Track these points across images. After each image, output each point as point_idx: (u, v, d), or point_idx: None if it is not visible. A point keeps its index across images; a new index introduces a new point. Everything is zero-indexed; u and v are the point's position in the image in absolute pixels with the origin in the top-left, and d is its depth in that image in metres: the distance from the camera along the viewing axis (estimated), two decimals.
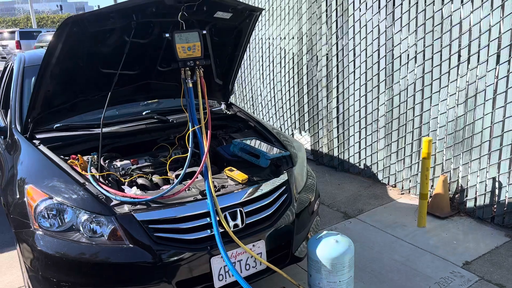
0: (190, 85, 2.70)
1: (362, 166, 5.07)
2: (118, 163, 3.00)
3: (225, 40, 3.34)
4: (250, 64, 6.62)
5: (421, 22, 4.02)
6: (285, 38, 5.73)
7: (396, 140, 4.55)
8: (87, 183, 2.57)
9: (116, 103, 3.48)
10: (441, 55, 3.94)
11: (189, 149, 2.65)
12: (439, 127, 4.08)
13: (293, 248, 2.83)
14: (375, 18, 4.45)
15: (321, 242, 2.62)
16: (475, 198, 3.91)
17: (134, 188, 2.64)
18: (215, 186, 2.64)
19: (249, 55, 6.54)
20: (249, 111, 6.70)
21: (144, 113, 3.74)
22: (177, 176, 2.81)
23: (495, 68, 3.55)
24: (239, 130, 3.69)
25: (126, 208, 2.42)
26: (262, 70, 6.31)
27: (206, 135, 2.71)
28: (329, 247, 2.58)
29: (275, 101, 6.20)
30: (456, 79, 3.85)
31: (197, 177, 2.62)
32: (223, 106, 4.10)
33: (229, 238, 2.50)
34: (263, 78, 6.35)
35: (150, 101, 4.04)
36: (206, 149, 2.65)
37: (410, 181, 4.50)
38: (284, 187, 2.87)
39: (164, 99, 4.02)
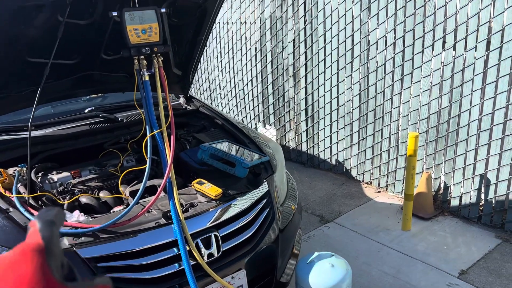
0: (147, 77, 2.13)
1: (333, 162, 4.69)
2: (54, 177, 2.39)
3: (186, 22, 2.76)
4: (206, 51, 6.02)
5: (401, 4, 3.64)
6: (245, 22, 5.20)
7: (371, 134, 4.20)
8: (11, 209, 1.96)
9: (50, 99, 2.83)
10: (423, 41, 3.59)
11: (147, 159, 2.09)
12: (420, 120, 3.76)
13: (277, 274, 2.36)
14: (348, 1, 4.02)
15: (313, 268, 2.17)
16: (460, 197, 3.63)
17: (76, 212, 2.05)
18: (182, 206, 2.11)
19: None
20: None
21: (86, 111, 3.09)
22: (132, 194, 2.24)
23: (484, 55, 3.24)
24: (204, 129, 3.14)
25: (66, 242, 1.84)
26: (221, 57, 5.75)
27: (169, 141, 2.15)
28: (324, 274, 2.14)
29: (235, 92, 5.67)
30: (441, 68, 3.52)
31: (159, 195, 2.07)
32: (182, 100, 3.53)
33: (203, 272, 1.98)
34: (221, 67, 5.79)
35: (93, 96, 3.39)
36: (169, 159, 2.10)
37: (387, 178, 4.17)
38: (265, 199, 2.39)
39: (111, 93, 3.38)
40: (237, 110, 5.73)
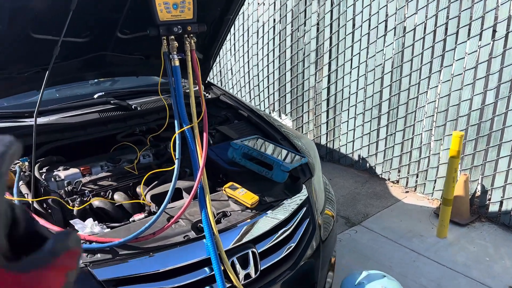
0: (177, 62, 1.77)
1: (356, 158, 4.37)
2: (61, 173, 2.06)
3: None
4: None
5: None
6: (263, 3, 4.81)
7: (401, 129, 3.87)
8: None
9: (55, 82, 2.47)
10: (469, 29, 3.24)
11: (176, 161, 1.75)
12: (459, 116, 3.43)
13: None
14: None
15: None
16: (501, 202, 3.33)
17: (90, 221, 1.72)
18: (213, 215, 1.79)
19: None
20: None
21: (95, 96, 2.74)
22: (154, 199, 1.91)
23: None
24: (227, 121, 2.80)
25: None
26: (234, 40, 5.37)
27: (200, 140, 1.81)
28: None
29: (249, 78, 5.31)
30: (488, 60, 3.18)
31: (189, 204, 1.74)
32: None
33: None
34: (234, 50, 5.41)
35: (102, 79, 3.03)
36: (201, 161, 1.76)
37: (417, 177, 3.87)
38: (305, 207, 2.07)
39: (122, 77, 3.03)
40: (250, 98, 5.38)
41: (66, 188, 1.99)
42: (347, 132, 4.36)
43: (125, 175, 2.17)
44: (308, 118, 4.72)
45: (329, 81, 4.36)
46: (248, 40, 5.14)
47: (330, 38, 4.22)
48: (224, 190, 1.94)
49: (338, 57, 4.20)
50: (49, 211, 1.85)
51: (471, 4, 3.15)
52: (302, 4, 4.37)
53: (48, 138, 2.33)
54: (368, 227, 3.39)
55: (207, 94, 3.15)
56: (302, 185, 2.12)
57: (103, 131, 2.47)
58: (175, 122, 1.78)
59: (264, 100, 5.19)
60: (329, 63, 4.30)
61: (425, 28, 3.48)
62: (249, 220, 1.83)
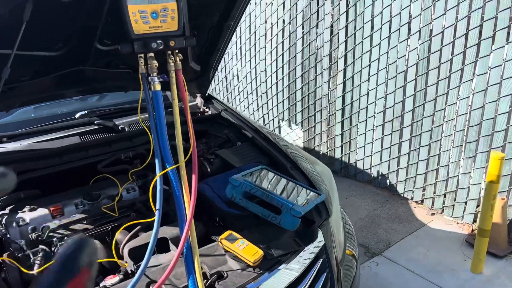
0: (157, 86, 1.39)
1: (374, 174, 3.96)
2: (26, 216, 1.71)
3: (211, 2, 2.02)
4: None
5: None
6: (272, 3, 4.41)
7: (427, 144, 3.45)
8: None
9: (26, 102, 2.11)
10: (508, 32, 2.81)
11: (156, 212, 1.38)
12: (496, 131, 3.00)
13: None
14: None
15: None
16: None
17: None
18: (206, 277, 1.41)
19: None
20: (220, 98, 5.40)
21: (77, 116, 2.38)
22: (135, 253, 1.54)
23: None
24: (228, 143, 2.42)
25: None
26: (240, 44, 4.98)
27: (189, 185, 1.43)
28: None
29: (256, 84, 4.92)
30: None
31: (173, 267, 1.36)
32: (199, 101, 2.81)
33: None
34: (240, 55, 5.02)
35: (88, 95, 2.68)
36: (189, 212, 1.38)
37: (444, 197, 3.44)
38: (321, 259, 1.68)
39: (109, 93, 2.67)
40: (258, 106, 4.99)
41: (31, 235, 1.64)
42: (364, 146, 3.95)
43: (104, 216, 1.80)
44: (321, 129, 4.31)
45: (344, 89, 3.96)
46: (255, 44, 4.75)
47: (346, 42, 3.81)
48: (220, 242, 1.56)
49: (355, 63, 3.79)
50: (4, 268, 1.50)
51: (511, 4, 2.73)
52: (314, 5, 3.96)
53: (17, 168, 1.96)
54: (391, 258, 2.98)
55: (207, 110, 2.78)
56: (318, 230, 1.73)
57: (83, 158, 2.11)
58: (156, 162, 1.40)
59: (272, 109, 4.80)
60: (344, 70, 3.90)
61: (455, 31, 3.06)
62: (252, 283, 1.45)
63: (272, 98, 4.76)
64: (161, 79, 1.37)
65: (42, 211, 1.74)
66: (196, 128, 2.54)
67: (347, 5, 3.70)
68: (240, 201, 1.69)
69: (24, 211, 1.73)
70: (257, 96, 4.96)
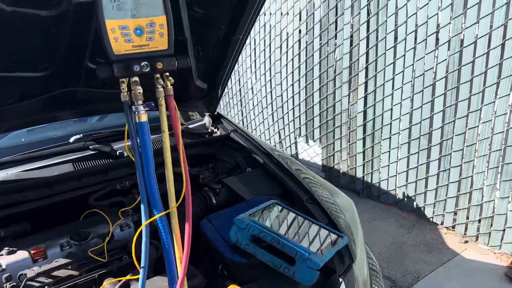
0: (143, 117, 1.16)
1: (400, 196, 3.65)
2: (3, 261, 1.50)
3: (216, 14, 1.79)
4: None
5: None
6: (288, 13, 4.18)
7: (458, 165, 3.14)
8: None
9: (13, 127, 1.92)
10: None
11: (141, 270, 1.13)
12: None
13: None
14: None
15: None
16: None
17: None
18: None
19: None
20: (234, 113, 5.17)
21: (71, 140, 2.17)
22: None
23: None
24: (237, 169, 2.18)
25: None
26: (255, 56, 4.76)
27: (181, 239, 1.18)
28: None
29: (271, 98, 4.67)
30: None
31: None
32: (207, 120, 2.58)
33: None
34: (255, 67, 4.79)
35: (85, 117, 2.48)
36: (181, 271, 1.13)
37: (479, 223, 3.12)
38: None
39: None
40: (273, 120, 4.74)
41: (4, 286, 1.42)
42: (388, 165, 3.65)
43: (91, 260, 1.57)
44: (341, 146, 4.03)
45: (365, 104, 3.68)
46: (270, 56, 4.52)
47: (367, 53, 3.54)
48: None
49: (377, 76, 3.51)
50: None
51: None
52: (332, 14, 3.71)
53: (1, 201, 1.77)
54: None
55: (216, 130, 2.55)
56: (340, 282, 1.46)
57: (75, 189, 1.89)
58: (142, 208, 1.15)
59: (288, 124, 4.54)
60: (366, 83, 3.62)
61: (489, 41, 2.76)
62: None
63: (288, 112, 4.51)
64: (147, 109, 1.13)
65: (21, 255, 1.52)
66: (202, 152, 2.35)
67: (368, 14, 3.43)
68: (247, 246, 1.44)
69: (2, 255, 1.52)
70: (272, 110, 4.72)
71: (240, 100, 5.20)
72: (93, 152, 2.10)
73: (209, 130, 2.54)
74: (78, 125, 2.43)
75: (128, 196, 1.89)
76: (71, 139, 2.15)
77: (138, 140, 1.15)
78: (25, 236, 1.65)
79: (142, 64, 1.09)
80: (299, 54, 4.17)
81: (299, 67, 4.21)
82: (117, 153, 2.13)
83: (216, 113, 2.60)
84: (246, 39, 2.00)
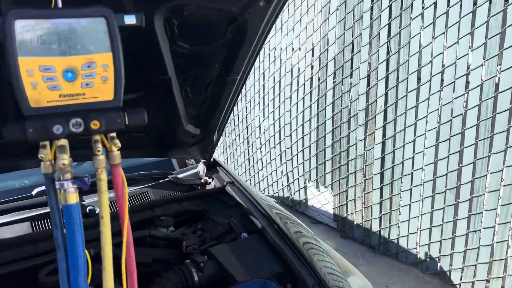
0: (72, 198, 0.80)
1: (421, 255, 3.22)
2: None
3: (206, 52, 1.46)
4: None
5: None
6: (299, 49, 3.89)
7: (491, 226, 2.71)
8: None
9: None
10: None
11: None
12: None
13: None
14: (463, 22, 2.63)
15: None
16: None
17: None
18: None
19: None
20: (240, 151, 4.82)
21: (34, 192, 1.83)
22: None
23: None
24: (229, 234, 1.79)
25: None
26: (263, 93, 4.45)
27: None
28: None
29: (280, 138, 4.33)
30: None
31: None
32: (201, 168, 2.23)
33: None
34: (263, 104, 4.48)
35: None
36: None
37: None
38: None
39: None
40: (281, 162, 4.38)
41: None
42: (409, 220, 3.23)
43: None
44: (355, 195, 3.64)
45: (383, 150, 3.30)
46: (280, 93, 4.21)
47: (386, 95, 3.19)
48: None
49: (397, 120, 3.15)
50: None
51: None
52: (348, 51, 3.40)
53: None
54: None
55: (210, 180, 2.19)
56: None
57: (28, 257, 1.54)
58: None
59: (298, 166, 4.17)
60: (384, 127, 3.26)
61: None
62: None
63: (297, 154, 4.15)
64: (78, 186, 0.78)
65: None
66: (191, 208, 1.98)
67: (388, 52, 3.11)
68: None
69: None
70: (280, 151, 4.36)
71: (247, 138, 4.87)
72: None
73: (202, 181, 2.18)
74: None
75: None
76: (34, 192, 1.81)
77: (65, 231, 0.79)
78: None
79: (72, 122, 0.75)
80: (310, 92, 3.85)
81: (310, 106, 3.88)
82: (87, 209, 1.78)
83: (212, 160, 2.26)
84: (245, 80, 1.67)
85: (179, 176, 2.16)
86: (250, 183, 4.91)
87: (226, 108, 1.82)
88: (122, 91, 0.79)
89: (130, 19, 0.77)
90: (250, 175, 4.93)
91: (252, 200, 1.90)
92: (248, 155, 4.89)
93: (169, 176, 2.11)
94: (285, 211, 2.11)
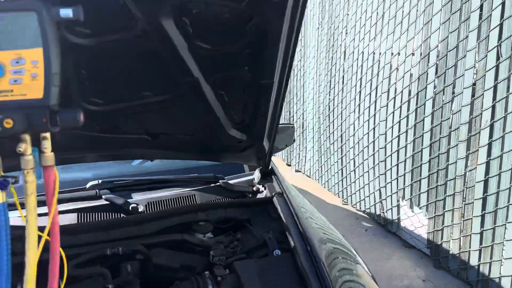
0: None
1: None
2: None
3: (230, 53, 1.37)
4: (343, 88, 4.50)
5: None
6: (399, 53, 3.55)
7: None
8: None
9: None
10: None
11: None
12: None
13: None
14: None
15: None
16: None
17: None
18: None
19: (335, 73, 4.40)
20: (334, 160, 4.60)
21: (88, 186, 1.93)
22: None
23: None
24: (261, 250, 1.67)
25: None
26: (360, 100, 4.17)
27: None
28: None
29: (373, 150, 4.01)
30: None
31: None
32: (256, 175, 2.14)
33: None
34: (359, 112, 4.20)
35: None
36: None
37: None
38: None
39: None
40: (374, 175, 4.05)
41: None
42: None
43: None
44: (452, 221, 3.17)
45: (487, 172, 2.81)
46: (375, 101, 3.90)
47: (493, 107, 2.72)
48: None
49: (505, 137, 2.65)
50: None
51: None
52: (451, 57, 2.98)
53: None
54: None
55: (262, 189, 2.09)
56: None
57: (66, 246, 1.62)
58: None
59: (391, 182, 3.81)
60: (489, 145, 2.78)
61: None
62: None
63: (391, 169, 3.79)
64: None
65: None
66: (235, 215, 1.90)
67: (498, 58, 2.64)
68: None
69: None
70: (374, 164, 4.03)
71: (341, 147, 4.62)
72: (104, 203, 1.83)
73: (254, 189, 2.09)
74: (115, 167, 2.20)
75: (114, 268, 1.55)
76: (88, 185, 1.92)
77: None
78: None
79: None
80: (408, 101, 3.48)
81: (407, 116, 3.50)
82: (130, 207, 1.82)
83: (270, 168, 2.15)
84: (284, 85, 1.53)
85: (231, 182, 2.10)
86: (342, 196, 4.65)
87: (271, 114, 1.70)
88: (53, 89, 0.75)
89: (66, 13, 0.72)
90: (342, 187, 4.66)
91: (294, 214, 1.75)
92: (341, 165, 4.63)
93: (220, 181, 2.06)
94: (340, 239, 1.90)
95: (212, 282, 1.46)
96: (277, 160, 6.35)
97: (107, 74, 1.38)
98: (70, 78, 1.32)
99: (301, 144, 5.62)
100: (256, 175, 2.14)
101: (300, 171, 5.74)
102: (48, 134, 0.78)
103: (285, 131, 2.59)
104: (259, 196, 2.06)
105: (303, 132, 5.55)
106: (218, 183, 2.07)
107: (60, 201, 1.83)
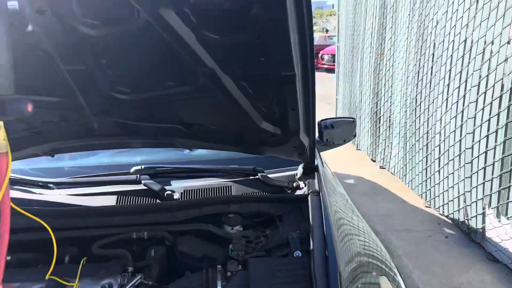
0: None
1: None
2: None
3: (242, 42, 1.31)
4: (431, 80, 4.11)
5: None
6: (492, 42, 3.12)
7: None
8: None
9: (59, 149, 1.91)
10: None
11: None
12: None
13: None
14: None
15: None
16: None
17: None
18: None
19: (422, 64, 4.00)
20: (418, 159, 4.25)
21: (132, 170, 2.03)
22: None
23: None
24: (283, 249, 1.61)
25: None
26: (447, 94, 3.77)
27: None
28: None
29: (460, 149, 3.60)
30: None
31: None
32: (299, 171, 2.07)
33: None
34: (447, 107, 3.80)
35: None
36: None
37: None
38: None
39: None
40: (459, 178, 3.64)
41: None
42: None
43: None
44: None
45: None
46: (464, 96, 3.49)
47: None
48: None
49: None
50: None
51: None
52: None
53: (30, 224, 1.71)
54: None
55: (303, 185, 2.01)
56: None
57: (101, 226, 1.73)
58: None
59: (477, 187, 3.39)
60: None
61: None
62: None
63: (477, 172, 3.38)
64: None
65: None
66: (268, 210, 1.86)
67: None
68: None
69: None
70: (459, 165, 3.64)
71: (426, 145, 4.24)
72: (142, 187, 1.92)
73: (294, 184, 2.01)
74: (164, 153, 2.29)
75: (135, 250, 1.62)
76: (132, 169, 2.03)
77: None
78: (21, 267, 1.58)
79: None
80: (500, 97, 3.05)
81: (498, 114, 3.08)
82: (165, 194, 1.88)
83: (315, 164, 2.05)
84: (311, 78, 1.43)
85: (270, 175, 2.05)
86: (425, 198, 4.28)
87: (303, 108, 1.60)
88: (12, 82, 0.78)
89: (12, 4, 0.75)
90: (425, 188, 4.29)
91: (323, 216, 1.64)
92: (426, 164, 4.26)
93: (258, 174, 2.02)
94: (375, 245, 1.75)
95: (222, 277, 1.44)
96: (362, 155, 6.06)
97: (127, 64, 1.43)
98: (91, 67, 1.39)
99: (387, 139, 5.29)
100: (299, 170, 2.06)
101: (385, 168, 5.41)
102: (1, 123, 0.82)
103: (342, 125, 2.46)
104: (298, 192, 1.99)
105: (389, 126, 5.22)
106: (257, 176, 2.04)
107: (103, 183, 1.97)
